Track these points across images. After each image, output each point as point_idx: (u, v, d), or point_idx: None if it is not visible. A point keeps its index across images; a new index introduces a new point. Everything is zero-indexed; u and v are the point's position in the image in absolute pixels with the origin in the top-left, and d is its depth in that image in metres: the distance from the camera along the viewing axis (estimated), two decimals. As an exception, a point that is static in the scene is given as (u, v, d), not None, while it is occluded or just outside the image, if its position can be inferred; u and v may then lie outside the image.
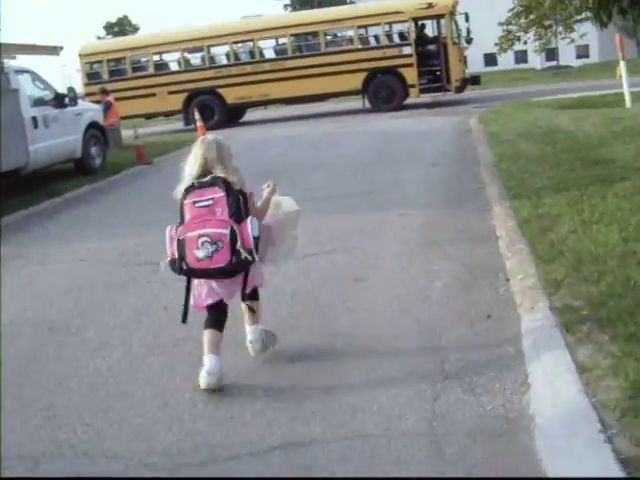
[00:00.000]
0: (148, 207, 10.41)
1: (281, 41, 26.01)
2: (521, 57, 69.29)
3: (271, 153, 15.58)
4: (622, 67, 17.11)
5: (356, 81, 24.11)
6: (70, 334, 5.48)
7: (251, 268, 4.26)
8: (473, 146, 13.63)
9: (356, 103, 25.87)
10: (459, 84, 23.98)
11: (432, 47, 24.42)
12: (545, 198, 7.85)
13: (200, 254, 4.09)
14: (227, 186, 4.20)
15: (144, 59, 26.40)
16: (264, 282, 4.61)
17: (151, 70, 25.94)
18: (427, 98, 24.98)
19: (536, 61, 69.28)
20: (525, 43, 21.71)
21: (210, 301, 4.31)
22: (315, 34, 25.18)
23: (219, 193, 4.19)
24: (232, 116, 26.52)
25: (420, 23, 24.86)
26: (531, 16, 20.27)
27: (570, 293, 4.86)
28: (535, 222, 6.84)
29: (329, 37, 26.09)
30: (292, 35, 25.36)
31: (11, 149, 11.77)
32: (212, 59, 25.93)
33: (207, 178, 4.24)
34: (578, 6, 9.70)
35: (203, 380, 4.18)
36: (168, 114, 27.57)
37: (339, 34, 26.38)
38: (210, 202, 4.18)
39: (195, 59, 26.61)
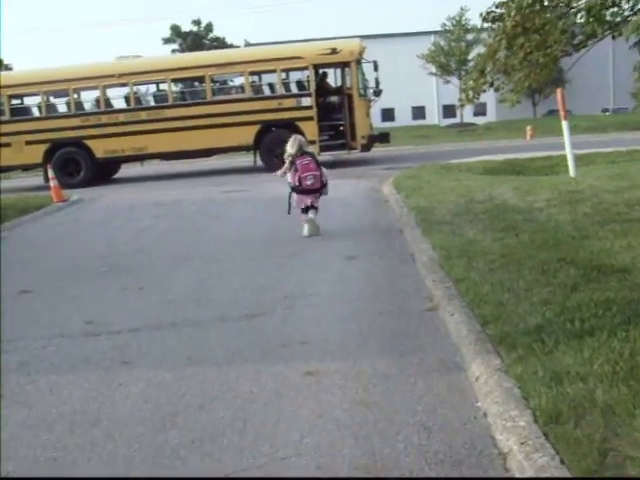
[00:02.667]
0: None
1: (161, 87, 22.38)
2: (419, 113, 68.28)
3: (129, 230, 11.89)
4: (564, 127, 14.27)
5: (247, 135, 20.71)
6: None
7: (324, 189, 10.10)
8: (397, 227, 10.35)
9: (247, 159, 22.38)
10: (366, 142, 20.80)
11: (335, 99, 21.16)
12: (559, 353, 4.55)
13: (309, 182, 9.86)
14: (311, 155, 10.23)
15: (-3, 102, 22.20)
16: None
17: (6, 115, 21.72)
18: (329, 156, 21.59)
19: (434, 117, 68.50)
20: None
21: (305, 204, 9.97)
22: (201, 80, 21.66)
23: (309, 157, 10.05)
24: (103, 172, 22.61)
25: (322, 71, 21.71)
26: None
27: None
28: (571, 418, 3.50)
29: (217, 84, 22.67)
30: (174, 80, 21.81)
31: None
32: (79, 105, 21.95)
33: (302, 150, 10.02)
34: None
35: (305, 233, 9.80)
36: (26, 168, 23.42)
37: (229, 81, 22.95)
38: (307, 161, 9.94)
39: (59, 104, 22.58)
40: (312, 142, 20.25)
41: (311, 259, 8.57)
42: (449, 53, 52.17)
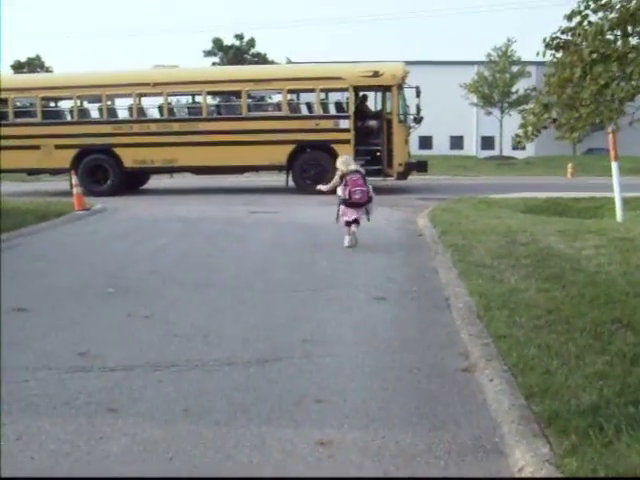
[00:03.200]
0: None
1: (196, 99, 21.86)
2: (457, 143, 67.36)
3: (147, 247, 11.25)
4: (614, 169, 13.45)
5: (281, 154, 20.07)
6: None
7: (370, 205, 11.25)
8: (432, 265, 9.59)
9: (279, 179, 21.74)
10: (403, 169, 20.04)
11: (374, 123, 20.42)
12: (622, 446, 3.84)
13: (357, 196, 10.86)
14: (360, 173, 11.13)
15: (30, 103, 21.79)
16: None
17: (37, 118, 21.29)
18: (364, 182, 20.88)
19: (472, 148, 67.55)
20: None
21: (351, 218, 10.97)
22: (237, 94, 21.01)
23: (358, 174, 11.05)
24: (131, 181, 22.09)
25: (362, 94, 21.05)
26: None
27: None
28: None
29: (253, 100, 22.06)
30: (209, 93, 21.26)
31: None
32: (111, 112, 21.46)
33: (352, 169, 11.11)
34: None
35: (346, 244, 10.89)
36: (54, 172, 23.08)
37: (266, 97, 22.36)
38: (357, 178, 10.95)
39: (92, 110, 22.13)
40: (347, 166, 19.63)
41: (336, 297, 7.83)
42: (493, 84, 51.22)
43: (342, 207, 10.99)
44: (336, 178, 11.24)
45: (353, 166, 11.27)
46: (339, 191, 11.05)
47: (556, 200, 17.21)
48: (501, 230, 11.69)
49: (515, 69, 51.21)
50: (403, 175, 20.23)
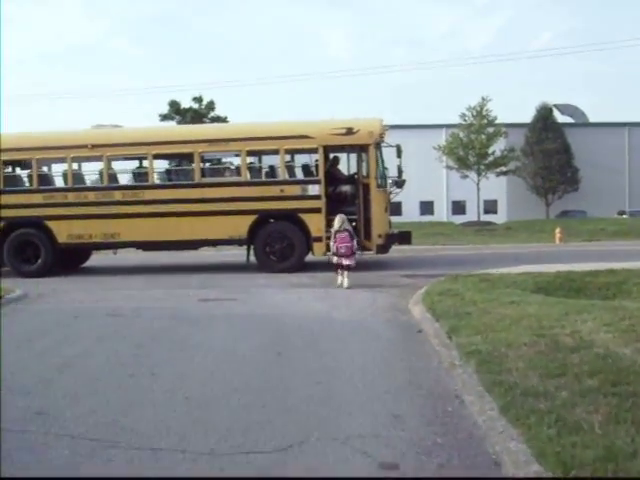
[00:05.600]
0: None
1: (142, 163, 18.89)
2: (427, 208, 65.12)
3: (52, 360, 8.08)
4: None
5: (241, 226, 17.13)
6: None
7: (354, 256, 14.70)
8: (451, 388, 6.65)
9: (241, 253, 18.67)
10: (383, 241, 17.11)
11: (348, 188, 17.62)
12: None
13: (342, 250, 14.20)
14: (348, 231, 14.51)
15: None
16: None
17: (-46, 187, 18.16)
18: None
19: (442, 213, 65.32)
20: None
21: (341, 265, 14.29)
22: (188, 157, 18.15)
23: (346, 233, 14.41)
24: (68, 259, 18.97)
25: (333, 155, 18.32)
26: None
27: None
28: None
29: (208, 163, 19.17)
30: (157, 156, 18.31)
31: None
32: (43, 179, 18.41)
33: (343, 227, 14.42)
34: None
35: (346, 285, 13.98)
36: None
37: (222, 160, 19.45)
38: (344, 235, 14.32)
39: (21, 176, 19.11)
40: (318, 239, 16.82)
41: (318, 465, 4.82)
42: (468, 146, 49.02)
43: (335, 258, 14.55)
44: (332, 234, 14.70)
45: (345, 225, 14.57)
46: (331, 245, 14.78)
47: (568, 275, 14.38)
48: (529, 324, 8.81)
49: (491, 130, 49.23)
50: (384, 248, 17.31)
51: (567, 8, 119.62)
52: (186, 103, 53.74)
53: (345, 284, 13.97)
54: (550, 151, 57.46)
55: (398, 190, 17.59)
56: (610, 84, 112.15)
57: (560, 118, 64.48)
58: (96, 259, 21.30)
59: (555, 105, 64.23)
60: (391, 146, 16.97)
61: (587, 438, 4.80)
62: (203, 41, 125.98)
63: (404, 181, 17.25)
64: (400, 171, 17.17)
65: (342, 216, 14.65)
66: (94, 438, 5.40)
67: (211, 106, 53.30)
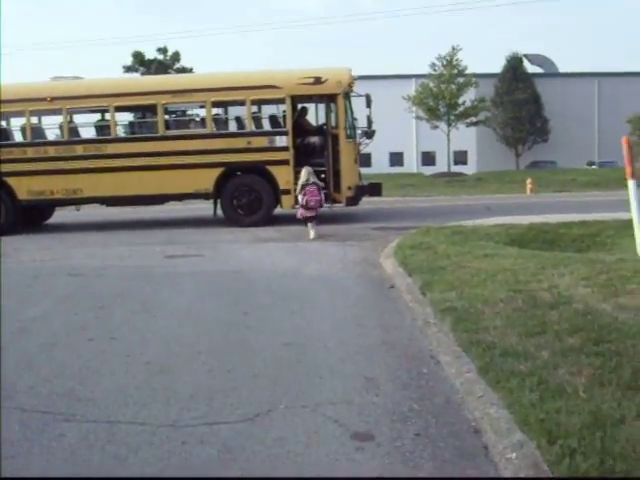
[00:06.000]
0: None
1: (104, 116, 18.25)
2: (397, 159, 64.73)
3: (6, 326, 7.65)
4: (631, 189, 10.44)
5: (207, 180, 16.67)
6: None
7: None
8: (427, 348, 6.37)
9: (208, 207, 18.24)
10: (353, 194, 16.76)
11: (316, 139, 17.21)
12: None
13: (312, 203, 14.38)
14: (317, 184, 14.64)
15: None
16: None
17: None
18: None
19: (412, 164, 64.97)
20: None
21: (308, 214, 14.47)
22: (152, 109, 17.54)
23: (315, 186, 14.50)
24: (29, 216, 18.39)
25: (301, 106, 17.82)
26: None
27: None
28: None
29: (172, 115, 18.58)
30: (119, 108, 17.68)
31: None
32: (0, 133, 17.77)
33: (310, 181, 14.52)
34: None
35: (312, 236, 14.00)
36: None
37: (186, 112, 18.86)
38: (313, 188, 14.44)
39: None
40: (286, 192, 16.39)
41: (287, 434, 4.50)
42: (438, 96, 48.45)
43: (301, 210, 14.60)
44: (299, 187, 14.73)
45: (312, 178, 14.64)
46: (299, 198, 14.66)
47: (541, 227, 14.18)
48: (504, 279, 8.54)
49: (461, 80, 48.70)
50: (353, 200, 16.95)
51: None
52: (151, 54, 52.61)
53: (311, 235, 14.14)
54: (520, 101, 57.26)
55: (368, 141, 17.15)
56: (579, 34, 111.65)
57: (530, 68, 64.18)
58: (59, 215, 20.72)
59: (525, 55, 63.87)
60: (360, 95, 16.51)
61: (571, 403, 4.52)
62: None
63: (374, 132, 16.82)
64: (370, 121, 16.78)
65: (308, 168, 14.83)
66: (47, 411, 5.03)
67: (176, 57, 52.20)
